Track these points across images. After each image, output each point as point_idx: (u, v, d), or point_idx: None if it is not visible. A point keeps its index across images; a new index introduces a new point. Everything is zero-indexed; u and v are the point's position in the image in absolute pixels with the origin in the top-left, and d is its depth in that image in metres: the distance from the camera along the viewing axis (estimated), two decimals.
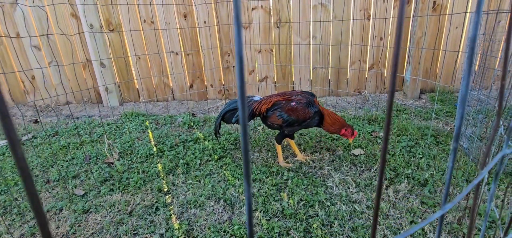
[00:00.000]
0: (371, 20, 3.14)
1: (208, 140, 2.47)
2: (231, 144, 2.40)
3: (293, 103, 1.95)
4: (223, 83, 3.56)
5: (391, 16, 3.10)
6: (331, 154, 2.19)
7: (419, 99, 3.32)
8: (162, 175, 2.02)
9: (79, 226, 1.60)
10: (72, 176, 2.03)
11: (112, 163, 2.17)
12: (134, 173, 2.05)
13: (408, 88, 3.28)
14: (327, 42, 3.26)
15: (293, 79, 3.49)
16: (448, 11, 3.01)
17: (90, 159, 2.25)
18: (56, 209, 1.72)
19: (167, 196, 1.81)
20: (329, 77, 3.44)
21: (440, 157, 2.06)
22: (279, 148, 2.12)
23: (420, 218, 1.55)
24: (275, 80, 3.51)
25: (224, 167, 2.09)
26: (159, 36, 3.31)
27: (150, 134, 2.64)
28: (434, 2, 2.93)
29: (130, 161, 2.21)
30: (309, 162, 2.11)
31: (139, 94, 3.58)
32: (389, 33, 3.18)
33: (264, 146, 2.36)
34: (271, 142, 2.42)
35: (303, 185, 1.86)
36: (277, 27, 3.25)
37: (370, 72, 3.39)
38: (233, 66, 3.46)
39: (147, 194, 1.84)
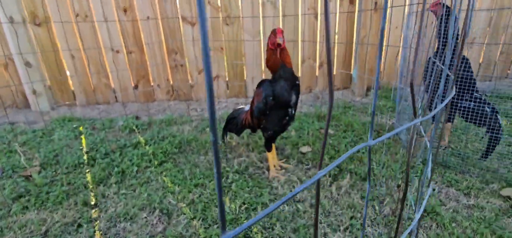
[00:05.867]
0: (318, 18, 3.19)
1: (150, 145, 2.27)
2: (174, 147, 2.23)
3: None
4: (171, 83, 3.35)
5: (337, 12, 3.18)
6: (279, 153, 2.15)
7: (366, 96, 3.46)
8: (91, 186, 1.79)
9: None
10: None
11: (30, 176, 1.87)
12: (57, 185, 1.78)
13: (356, 86, 3.40)
14: None
15: (245, 78, 3.42)
16: (388, 12, 3.18)
17: (3, 172, 1.92)
18: None
19: (93, 210, 1.60)
20: None
21: (381, 151, 2.12)
22: (269, 156, 1.90)
23: (360, 213, 1.56)
24: (227, 79, 3.41)
25: (164, 173, 1.92)
26: (96, 31, 3.00)
27: (83, 141, 2.36)
28: (375, 3, 3.07)
29: (54, 173, 1.93)
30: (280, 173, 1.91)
31: (75, 97, 3.22)
32: (336, 32, 3.26)
33: (211, 148, 2.24)
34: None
35: (248, 187, 1.78)
36: (227, 24, 3.15)
37: (320, 70, 3.45)
38: (181, 65, 3.28)
39: (70, 209, 1.60)
